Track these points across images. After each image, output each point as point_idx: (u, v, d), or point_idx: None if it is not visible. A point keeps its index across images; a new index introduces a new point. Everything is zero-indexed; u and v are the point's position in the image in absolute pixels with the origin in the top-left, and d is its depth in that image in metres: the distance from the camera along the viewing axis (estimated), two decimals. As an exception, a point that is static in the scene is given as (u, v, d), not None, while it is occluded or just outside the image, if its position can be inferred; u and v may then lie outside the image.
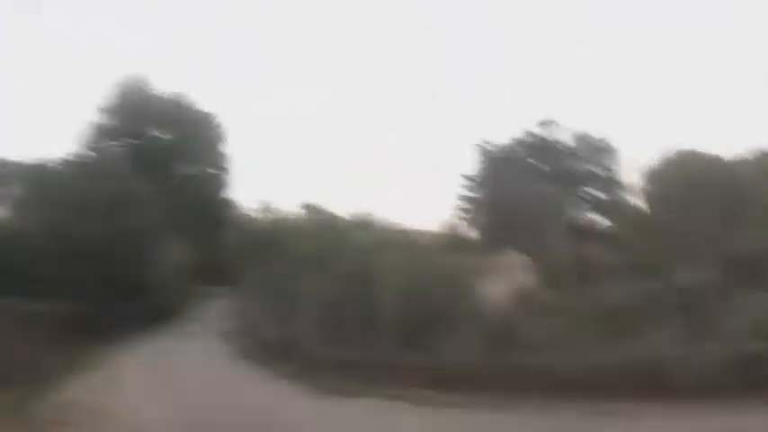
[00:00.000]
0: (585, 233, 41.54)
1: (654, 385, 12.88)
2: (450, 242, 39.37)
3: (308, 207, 52.88)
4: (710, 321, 15.53)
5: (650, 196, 39.04)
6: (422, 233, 37.48)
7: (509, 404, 13.70)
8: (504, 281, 27.11)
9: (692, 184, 34.08)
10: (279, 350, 25.88)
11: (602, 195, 48.17)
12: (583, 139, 50.41)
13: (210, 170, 64.43)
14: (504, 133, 56.08)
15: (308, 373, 20.89)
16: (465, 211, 49.19)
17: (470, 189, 49.34)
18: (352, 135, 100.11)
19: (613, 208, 45.17)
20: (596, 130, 51.03)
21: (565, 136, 50.87)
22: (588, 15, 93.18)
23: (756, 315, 15.04)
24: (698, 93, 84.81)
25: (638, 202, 41.35)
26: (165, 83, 62.97)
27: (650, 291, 19.54)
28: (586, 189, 48.76)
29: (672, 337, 15.21)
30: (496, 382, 15.00)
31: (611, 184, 48.05)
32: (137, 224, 37.99)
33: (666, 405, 11.99)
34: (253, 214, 61.17)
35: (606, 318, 17.01)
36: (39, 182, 38.22)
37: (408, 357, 18.01)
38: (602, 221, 46.54)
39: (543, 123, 51.02)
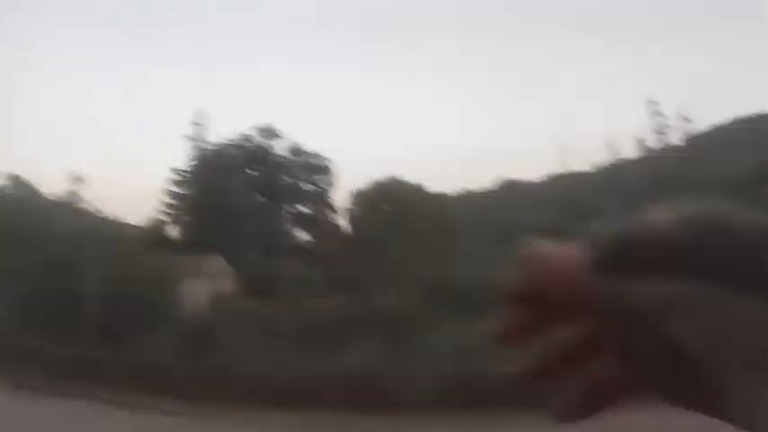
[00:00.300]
0: (291, 247, 41.87)
1: (369, 400, 12.85)
2: (156, 238, 37.60)
3: (13, 180, 47.49)
4: (413, 342, 15.95)
5: (358, 218, 40.47)
6: (129, 225, 35.41)
7: (209, 412, 12.95)
8: (206, 285, 26.30)
9: (399, 210, 35.84)
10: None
11: (311, 211, 48.64)
12: (298, 152, 50.66)
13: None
14: (223, 132, 54.82)
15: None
16: (172, 207, 47.17)
17: (180, 185, 47.43)
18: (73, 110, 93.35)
19: (321, 225, 45.97)
20: (313, 146, 51.75)
21: (282, 147, 50.88)
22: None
23: (459, 340, 15.64)
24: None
25: (346, 222, 42.78)
26: None
27: (352, 308, 19.86)
28: (296, 203, 48.97)
29: (376, 355, 15.42)
30: (196, 386, 14.21)
31: (321, 201, 48.75)
32: None
33: (381, 418, 11.97)
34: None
35: (307, 331, 16.97)
36: None
37: (108, 354, 16.68)
38: (308, 237, 47.06)
39: (262, 130, 50.63)
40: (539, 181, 47.52)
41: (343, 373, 14.10)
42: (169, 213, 45.94)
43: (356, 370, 14.16)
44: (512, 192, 48.12)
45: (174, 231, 44.87)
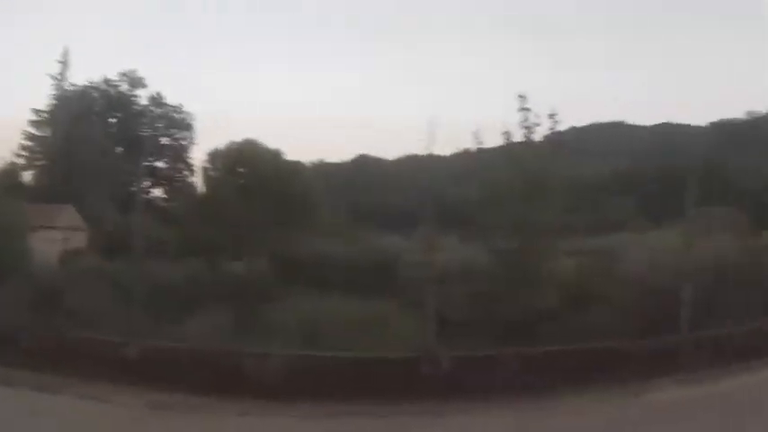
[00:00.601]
0: (145, 204, 40.50)
1: (220, 378, 12.64)
2: (9, 182, 35.29)
3: None
4: (262, 316, 15.74)
5: (213, 179, 39.58)
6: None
7: (52, 384, 12.43)
8: (58, 238, 25.26)
9: (254, 175, 35.30)
10: None
11: (167, 167, 47.22)
12: (160, 104, 48.92)
13: None
14: (88, 75, 51.70)
15: None
16: (28, 150, 44.27)
17: (37, 127, 44.60)
18: None
19: (177, 183, 44.73)
20: (177, 99, 49.89)
21: (144, 96, 48.87)
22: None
23: (304, 315, 15.48)
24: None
25: (202, 182, 41.71)
26: None
27: (202, 276, 19.43)
28: (153, 157, 47.31)
29: (224, 328, 15.07)
30: (40, 353, 13.58)
31: (178, 157, 47.41)
32: None
33: (234, 401, 11.82)
34: None
35: (156, 297, 16.35)
36: None
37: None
38: (163, 195, 45.66)
39: (126, 77, 48.50)
40: (395, 159, 48.00)
41: (191, 348, 13.73)
42: (25, 156, 43.44)
43: (205, 346, 13.82)
44: (367, 168, 48.34)
45: (28, 177, 42.54)
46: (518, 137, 17.18)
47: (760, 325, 15.54)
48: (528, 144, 17.09)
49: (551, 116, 16.97)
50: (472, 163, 18.93)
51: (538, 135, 17.18)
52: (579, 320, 14.87)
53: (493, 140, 17.94)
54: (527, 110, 16.96)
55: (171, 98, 49.80)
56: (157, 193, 45.84)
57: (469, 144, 18.02)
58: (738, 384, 13.56)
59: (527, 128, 16.98)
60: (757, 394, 12.84)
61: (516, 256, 15.95)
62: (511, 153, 17.25)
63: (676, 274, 15.56)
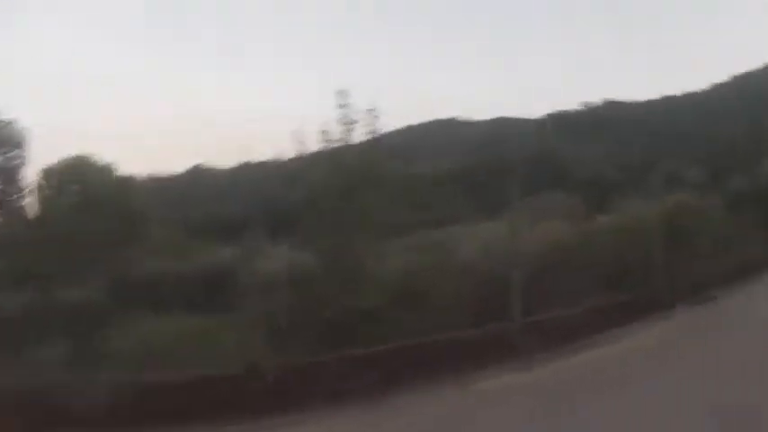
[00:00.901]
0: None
1: (46, 413, 12.37)
2: None
3: None
4: (98, 343, 15.43)
5: (44, 200, 37.62)
6: None
7: None
8: None
9: (85, 193, 33.82)
10: None
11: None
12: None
13: None
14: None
15: None
16: None
17: None
18: None
19: (7, 207, 42.28)
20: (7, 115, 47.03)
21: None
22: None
23: (140, 337, 15.31)
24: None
25: (33, 203, 39.52)
26: None
27: (34, 305, 18.77)
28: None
29: (59, 360, 14.68)
30: None
31: (9, 179, 44.83)
32: None
33: None
34: None
35: None
36: None
37: None
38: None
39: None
40: (226, 168, 47.27)
41: (18, 388, 13.29)
42: None
43: (33, 382, 13.45)
44: (202, 179, 47.39)
45: None
46: (338, 135, 17.09)
47: (590, 304, 16.63)
48: (347, 142, 17.06)
49: (370, 111, 16.93)
50: (302, 167, 18.93)
51: (361, 133, 17.15)
52: (412, 316, 15.23)
53: (323, 143, 17.81)
54: (346, 106, 16.90)
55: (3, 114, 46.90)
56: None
57: (297, 148, 17.86)
58: (564, 366, 14.41)
59: (346, 124, 16.90)
60: (580, 374, 13.71)
61: (336, 256, 16.09)
62: (331, 153, 17.23)
63: (508, 262, 16.19)
